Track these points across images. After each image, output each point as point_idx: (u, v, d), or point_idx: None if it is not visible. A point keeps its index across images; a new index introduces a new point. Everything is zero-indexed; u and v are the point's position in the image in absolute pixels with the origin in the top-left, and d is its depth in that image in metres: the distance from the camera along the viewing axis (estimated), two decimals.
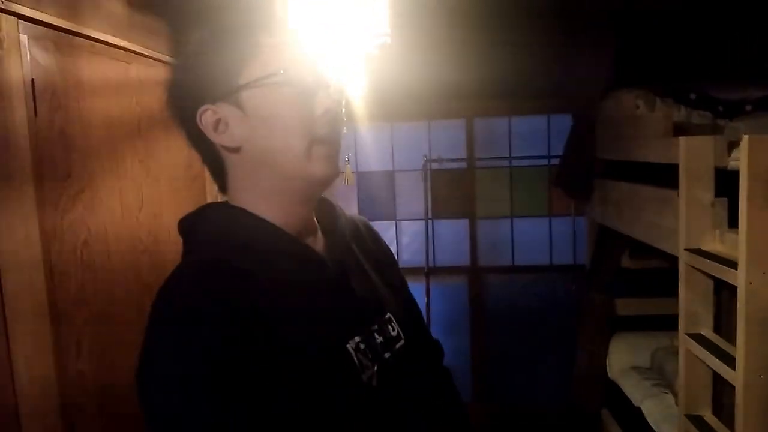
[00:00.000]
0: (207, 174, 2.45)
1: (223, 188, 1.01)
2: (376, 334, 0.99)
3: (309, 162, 0.93)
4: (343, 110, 1.00)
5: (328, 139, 0.94)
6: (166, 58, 2.11)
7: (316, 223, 1.05)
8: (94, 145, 1.70)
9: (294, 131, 0.92)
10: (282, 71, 0.91)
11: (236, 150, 0.95)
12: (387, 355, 0.99)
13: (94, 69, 1.72)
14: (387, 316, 1.04)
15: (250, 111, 0.92)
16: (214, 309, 0.82)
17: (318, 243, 1.03)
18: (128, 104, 1.89)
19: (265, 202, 0.96)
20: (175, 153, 2.16)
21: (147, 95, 2.00)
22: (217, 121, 0.93)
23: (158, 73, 2.09)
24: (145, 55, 1.98)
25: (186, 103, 0.95)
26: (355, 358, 0.92)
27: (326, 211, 1.08)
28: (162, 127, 2.09)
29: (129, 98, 1.90)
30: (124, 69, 1.88)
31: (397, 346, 1.02)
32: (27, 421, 1.40)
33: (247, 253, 0.91)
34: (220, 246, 0.93)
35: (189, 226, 0.99)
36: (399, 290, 1.16)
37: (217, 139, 0.94)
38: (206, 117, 0.93)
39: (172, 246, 2.06)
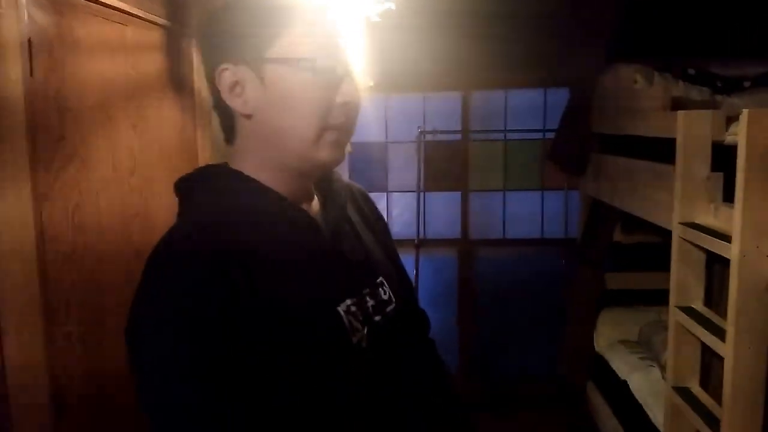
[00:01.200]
0: (200, 140, 2.43)
1: (229, 141, 1.01)
2: (368, 297, 1.00)
3: (316, 147, 0.94)
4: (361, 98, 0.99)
5: (342, 127, 0.95)
6: (164, 22, 2.08)
7: (313, 188, 1.05)
8: (88, 107, 1.68)
9: (309, 116, 0.92)
10: (314, 57, 0.91)
11: (248, 116, 0.94)
12: (378, 318, 1.00)
13: (91, 30, 1.69)
14: (379, 280, 1.05)
15: (270, 84, 0.92)
16: (205, 268, 0.83)
17: (314, 208, 1.03)
18: (123, 68, 1.86)
19: (266, 170, 0.96)
20: (168, 118, 2.14)
21: (142, 59, 1.97)
22: (234, 83, 0.93)
23: (154, 38, 2.06)
24: (141, 18, 1.94)
25: (209, 55, 0.95)
26: (345, 320, 0.93)
27: (323, 177, 1.08)
28: (156, 91, 2.06)
29: (124, 61, 1.87)
30: (120, 31, 1.84)
31: (388, 309, 1.04)
32: (13, 380, 1.40)
33: (242, 215, 0.92)
34: (215, 208, 0.93)
35: (185, 187, 0.99)
36: (392, 256, 1.17)
37: (230, 101, 0.94)
38: (224, 76, 0.93)
39: (164, 211, 2.06)
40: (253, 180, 0.95)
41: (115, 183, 1.80)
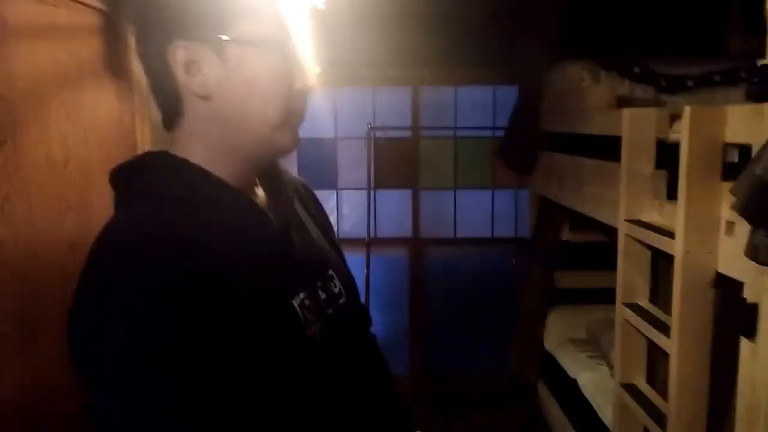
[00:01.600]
0: (138, 129, 2.34)
1: (170, 126, 0.95)
2: (320, 291, 0.98)
3: (280, 132, 0.92)
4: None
5: (300, 113, 0.95)
6: (98, 5, 2.00)
7: (257, 180, 1.02)
8: (17, 94, 1.59)
9: (275, 100, 0.90)
10: (277, 38, 0.88)
11: (205, 97, 0.89)
12: (330, 311, 0.99)
13: (18, 12, 1.61)
14: (330, 273, 1.04)
15: (233, 66, 0.88)
16: (155, 264, 0.78)
17: (260, 199, 1.00)
18: (55, 52, 1.78)
19: (215, 155, 0.92)
20: (105, 107, 2.05)
21: (76, 43, 1.88)
22: (190, 62, 0.87)
23: (89, 20, 1.98)
24: (75, 0, 1.86)
25: (157, 31, 0.89)
26: (300, 314, 0.91)
27: (268, 168, 1.05)
28: (91, 78, 1.98)
29: (56, 45, 1.78)
30: (51, 13, 1.76)
31: (339, 302, 1.03)
32: None
33: (190, 206, 0.87)
34: (159, 197, 0.88)
35: (124, 176, 0.92)
36: (337, 249, 1.16)
37: (187, 81, 0.88)
38: (179, 54, 0.87)
39: (100, 205, 1.97)
40: (201, 168, 0.91)
41: (47, 173, 1.72)
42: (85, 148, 1.92)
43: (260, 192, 1.01)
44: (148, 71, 0.93)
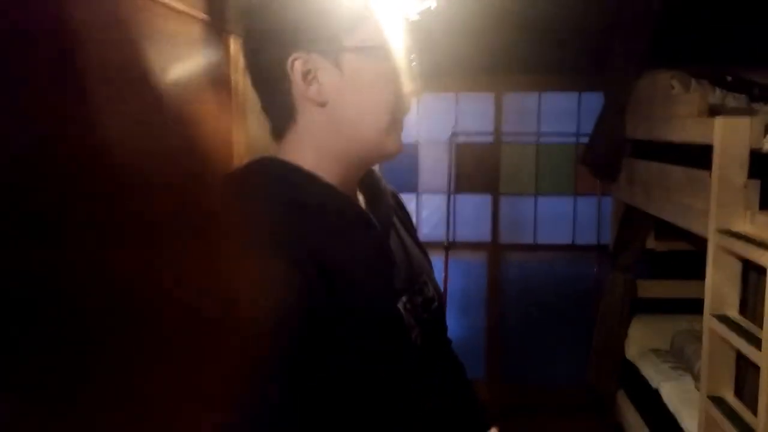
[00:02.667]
0: (235, 135, 2.43)
1: (278, 136, 1.00)
2: (417, 295, 1.01)
3: (388, 136, 0.96)
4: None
5: (405, 117, 0.98)
6: (202, 15, 2.11)
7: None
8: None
9: (386, 105, 0.94)
10: (388, 45, 0.93)
11: (321, 104, 0.94)
12: (425, 315, 1.01)
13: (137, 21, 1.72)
14: (423, 278, 1.06)
15: (349, 74, 0.93)
16: (288, 267, 0.83)
17: (361, 204, 1.05)
18: (157, 60, 1.90)
19: (325, 161, 0.96)
20: (205, 114, 2.16)
21: (181, 52, 1.99)
22: (307, 72, 0.93)
23: (192, 30, 2.09)
24: (180, 11, 1.97)
25: (276, 44, 0.94)
26: (405, 317, 0.95)
27: (367, 174, 1.09)
28: (194, 86, 2.09)
29: (158, 53, 1.90)
30: (161, 23, 1.88)
31: (433, 306, 1.05)
32: None
33: (307, 211, 0.92)
34: (278, 204, 0.92)
35: (237, 179, 0.97)
36: (427, 257, 1.18)
37: (305, 89, 0.93)
38: (297, 65, 0.92)
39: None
40: (314, 175, 0.95)
41: None
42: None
43: (360, 198, 1.06)
44: (263, 81, 0.98)
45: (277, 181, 0.95)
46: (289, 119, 0.97)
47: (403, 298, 0.97)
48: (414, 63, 0.97)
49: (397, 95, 0.95)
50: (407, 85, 0.96)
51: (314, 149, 0.96)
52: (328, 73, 0.92)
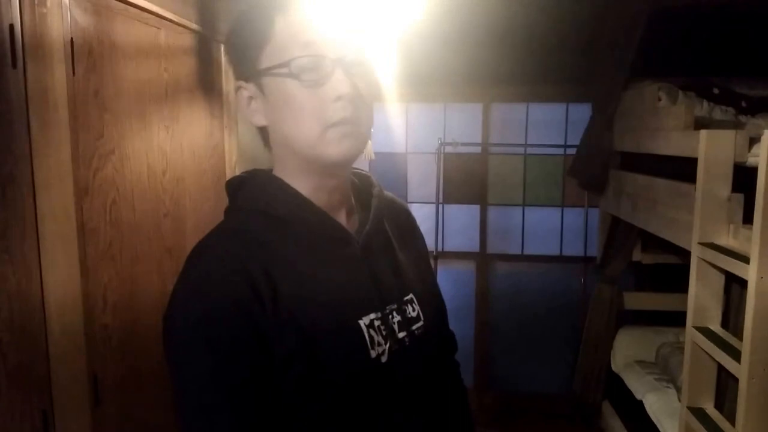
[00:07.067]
0: (227, 143, 2.47)
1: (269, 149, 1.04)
2: (394, 313, 1.00)
3: (323, 145, 0.93)
4: (371, 85, 0.98)
5: (343, 121, 0.92)
6: (195, 27, 2.14)
7: (352, 198, 1.07)
8: (124, 107, 1.73)
9: (305, 120, 0.92)
10: (292, 61, 0.91)
11: (262, 128, 1.00)
12: (402, 334, 1.00)
13: (127, 32, 1.75)
14: (409, 297, 1.05)
15: (269, 96, 0.95)
16: (232, 277, 0.87)
17: (350, 218, 1.05)
18: (156, 70, 1.92)
19: (294, 175, 0.99)
20: (197, 121, 2.19)
21: (174, 62, 2.02)
22: (249, 99, 0.98)
23: (186, 41, 2.12)
24: (174, 22, 2.00)
25: (235, 74, 1.00)
26: (366, 334, 0.94)
27: (364, 188, 1.10)
28: (186, 94, 2.12)
29: (157, 64, 1.92)
30: (154, 34, 1.90)
31: (415, 327, 1.03)
32: (55, 364, 1.45)
33: (276, 223, 0.95)
34: (251, 214, 0.97)
35: (234, 188, 1.02)
36: (427, 277, 1.17)
37: (248, 115, 0.99)
38: (240, 93, 0.98)
39: (192, 212, 2.10)
40: (291, 188, 0.98)
41: (148, 182, 1.85)
42: (180, 159, 2.05)
43: (353, 210, 1.06)
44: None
45: (257, 192, 0.99)
46: (266, 137, 1.02)
47: (372, 315, 0.96)
48: (338, 68, 0.92)
49: (317, 104, 0.91)
50: (331, 89, 0.91)
51: (282, 163, 1.00)
52: (258, 97, 0.97)
